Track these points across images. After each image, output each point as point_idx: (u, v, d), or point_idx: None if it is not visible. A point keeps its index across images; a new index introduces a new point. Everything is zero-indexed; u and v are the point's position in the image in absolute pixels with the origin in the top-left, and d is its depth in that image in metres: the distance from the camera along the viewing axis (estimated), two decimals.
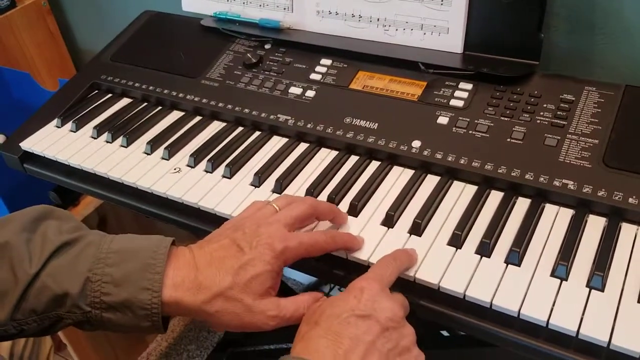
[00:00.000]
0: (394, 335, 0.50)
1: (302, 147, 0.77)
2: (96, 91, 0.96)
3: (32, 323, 0.55)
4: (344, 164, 0.74)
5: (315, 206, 0.61)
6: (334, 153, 0.76)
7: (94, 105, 0.92)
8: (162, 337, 1.57)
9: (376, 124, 0.75)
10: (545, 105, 0.71)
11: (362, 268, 0.61)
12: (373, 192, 0.69)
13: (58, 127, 0.89)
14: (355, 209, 0.66)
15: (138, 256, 0.54)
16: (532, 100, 0.72)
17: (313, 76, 0.84)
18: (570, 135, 0.67)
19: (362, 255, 0.61)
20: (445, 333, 1.14)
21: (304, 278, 1.64)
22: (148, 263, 0.54)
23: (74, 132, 0.87)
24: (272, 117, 0.80)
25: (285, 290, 1.28)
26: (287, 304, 0.55)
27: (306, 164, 0.75)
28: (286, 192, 0.70)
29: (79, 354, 1.32)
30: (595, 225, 0.61)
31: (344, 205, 0.67)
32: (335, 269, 0.62)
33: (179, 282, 0.54)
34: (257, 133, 0.81)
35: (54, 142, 0.86)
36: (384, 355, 0.49)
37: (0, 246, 0.55)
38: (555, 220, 0.62)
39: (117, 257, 0.54)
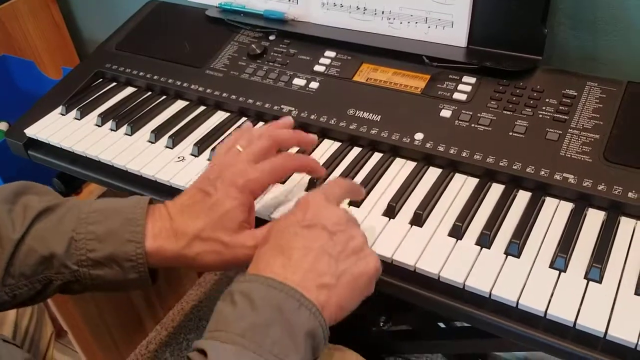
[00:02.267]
0: (342, 238, 0.52)
1: None
2: (100, 80, 0.97)
3: (24, 287, 0.57)
4: (346, 155, 0.74)
5: (274, 137, 0.62)
6: (337, 144, 0.76)
7: (98, 94, 0.93)
8: (162, 326, 1.58)
9: (379, 116, 0.76)
10: (547, 100, 0.72)
11: None
12: (375, 184, 0.69)
13: (62, 114, 0.90)
14: (357, 200, 0.66)
15: (119, 213, 0.58)
16: (535, 94, 0.72)
17: (317, 68, 0.85)
18: (571, 130, 0.68)
19: None
20: (442, 325, 1.15)
21: None
22: (129, 218, 0.57)
23: (79, 119, 0.88)
24: (275, 107, 0.81)
25: None
26: (262, 232, 0.57)
27: (309, 155, 0.75)
28: (289, 182, 0.71)
29: (79, 341, 1.33)
30: (594, 218, 0.62)
31: None
32: None
33: (157, 232, 0.57)
34: (261, 123, 0.82)
35: (58, 129, 0.86)
36: (334, 258, 0.50)
37: None
38: (555, 213, 0.63)
39: (98, 215, 0.57)
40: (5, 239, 0.56)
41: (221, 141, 0.79)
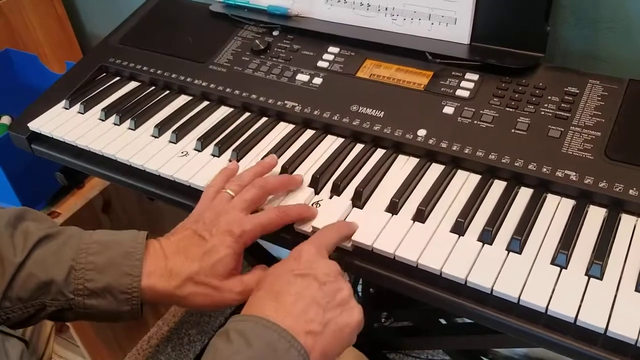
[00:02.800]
0: (331, 289, 0.54)
1: (309, 133, 0.78)
2: (104, 74, 0.97)
3: (18, 311, 0.58)
4: (350, 151, 0.75)
5: (264, 186, 0.65)
6: (340, 140, 0.77)
7: (102, 88, 0.93)
8: (163, 321, 1.58)
9: (382, 112, 0.76)
10: (549, 97, 0.72)
11: (365, 252, 0.62)
12: (378, 180, 0.70)
13: (66, 108, 0.90)
14: (360, 196, 0.67)
15: (119, 246, 0.59)
16: (537, 92, 0.73)
17: (320, 64, 0.85)
18: (573, 127, 0.68)
19: (367, 240, 0.62)
20: (443, 321, 1.16)
21: None
22: (129, 251, 0.59)
23: (82, 113, 0.88)
24: (279, 103, 0.81)
25: None
26: (249, 278, 0.60)
27: (312, 151, 0.75)
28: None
29: (80, 335, 1.34)
30: (595, 215, 0.62)
31: (349, 192, 0.68)
32: (335, 251, 0.63)
33: (152, 270, 0.59)
34: (264, 119, 0.82)
35: (62, 123, 0.87)
36: (322, 307, 0.53)
37: None
38: (556, 210, 0.63)
39: (99, 246, 0.59)
40: (7, 262, 0.58)
41: (221, 139, 0.79)
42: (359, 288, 1.24)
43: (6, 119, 1.32)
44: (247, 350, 0.48)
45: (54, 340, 1.05)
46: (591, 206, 0.63)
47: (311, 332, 0.51)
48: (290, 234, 0.65)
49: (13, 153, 0.97)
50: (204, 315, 1.60)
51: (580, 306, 0.53)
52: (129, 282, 0.58)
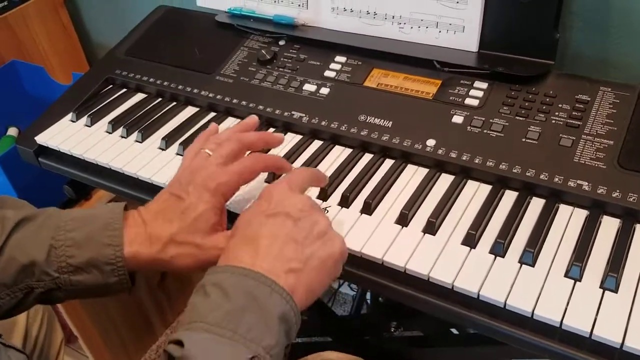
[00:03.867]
0: (306, 224, 0.53)
1: (317, 144, 0.78)
2: (111, 86, 0.97)
3: (6, 297, 0.58)
4: (358, 161, 0.74)
5: (241, 140, 0.64)
6: (348, 151, 0.76)
7: (108, 100, 0.93)
8: (172, 330, 1.58)
9: (390, 122, 0.75)
10: (560, 106, 0.71)
11: (375, 265, 0.61)
12: (387, 190, 0.69)
13: (73, 121, 0.90)
14: (369, 207, 0.66)
15: (96, 219, 0.59)
16: (548, 100, 0.72)
17: (327, 73, 0.84)
18: (585, 136, 0.67)
19: (376, 253, 0.61)
20: (454, 331, 1.14)
21: None
22: (107, 222, 0.58)
23: (89, 126, 0.88)
24: (286, 114, 0.81)
25: None
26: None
27: (320, 161, 0.75)
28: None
29: (89, 345, 1.33)
30: (609, 226, 0.61)
31: (358, 203, 0.68)
32: (346, 264, 0.62)
33: (132, 238, 0.58)
34: (272, 130, 0.82)
35: (69, 136, 0.86)
36: (300, 244, 0.52)
37: None
38: (569, 220, 0.62)
39: (76, 222, 0.59)
40: None
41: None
42: (368, 296, 1.24)
43: (13, 131, 1.33)
44: (226, 304, 0.46)
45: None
46: (605, 217, 0.62)
47: (292, 271, 0.50)
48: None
49: (20, 166, 0.97)
50: None
51: (595, 320, 0.52)
52: (111, 253, 0.57)
